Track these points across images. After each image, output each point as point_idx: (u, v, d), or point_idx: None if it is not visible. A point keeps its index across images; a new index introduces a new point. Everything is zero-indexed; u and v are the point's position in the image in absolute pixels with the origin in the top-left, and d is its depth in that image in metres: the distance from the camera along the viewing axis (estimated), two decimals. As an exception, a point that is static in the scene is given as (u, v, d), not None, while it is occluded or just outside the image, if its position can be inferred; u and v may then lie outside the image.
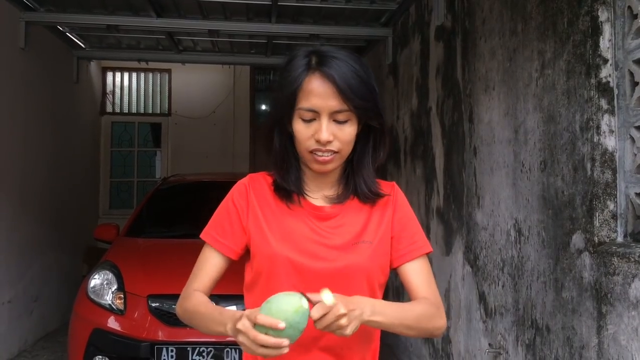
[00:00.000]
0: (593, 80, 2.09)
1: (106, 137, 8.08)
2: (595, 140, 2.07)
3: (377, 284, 1.35)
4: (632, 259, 1.81)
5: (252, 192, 1.37)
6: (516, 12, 2.74)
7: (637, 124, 1.95)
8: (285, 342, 1.05)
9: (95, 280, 3.80)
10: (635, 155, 1.96)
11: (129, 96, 8.27)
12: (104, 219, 7.45)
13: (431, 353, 4.07)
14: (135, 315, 3.61)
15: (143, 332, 3.52)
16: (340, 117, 1.25)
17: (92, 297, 3.73)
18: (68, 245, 6.32)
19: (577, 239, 2.16)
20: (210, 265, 1.38)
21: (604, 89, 2.07)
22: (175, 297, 3.94)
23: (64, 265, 6.17)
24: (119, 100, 8.22)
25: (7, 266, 4.77)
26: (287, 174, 1.34)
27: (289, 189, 1.34)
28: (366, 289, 1.32)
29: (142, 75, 8.27)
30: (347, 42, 6.49)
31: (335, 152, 1.26)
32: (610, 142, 2.05)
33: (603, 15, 2.08)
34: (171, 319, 3.56)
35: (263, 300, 1.12)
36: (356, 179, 1.35)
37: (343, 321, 1.07)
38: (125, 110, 8.25)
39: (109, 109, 8.13)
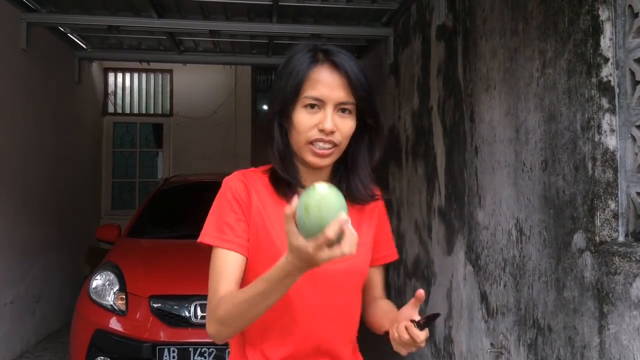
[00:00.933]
0: (594, 80, 2.08)
1: (108, 138, 8.10)
2: (596, 140, 2.06)
3: (362, 284, 1.37)
4: (634, 259, 1.81)
5: (252, 188, 1.31)
6: (517, 12, 2.74)
7: (638, 123, 1.94)
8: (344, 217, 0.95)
9: (97, 281, 3.81)
10: (637, 154, 1.95)
11: (130, 97, 8.28)
12: (106, 219, 7.46)
13: (433, 353, 4.06)
14: (137, 315, 3.61)
15: (145, 332, 3.52)
16: (345, 108, 1.24)
17: (93, 297, 3.74)
18: (70, 246, 6.33)
19: (579, 239, 2.15)
20: (230, 267, 1.25)
21: (605, 88, 2.06)
22: (176, 298, 3.96)
23: (66, 266, 6.18)
24: (120, 101, 8.23)
25: (9, 267, 4.78)
26: (288, 166, 1.29)
27: (290, 180, 1.28)
28: (359, 290, 1.34)
29: (144, 75, 8.28)
30: (348, 42, 6.48)
31: (335, 145, 1.24)
32: (611, 142, 2.05)
33: (604, 14, 2.07)
34: (172, 320, 3.57)
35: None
36: (351, 179, 1.32)
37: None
38: (127, 110, 8.26)
39: (110, 109, 8.15)
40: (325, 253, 0.96)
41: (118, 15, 5.38)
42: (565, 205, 2.26)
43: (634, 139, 1.97)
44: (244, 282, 1.27)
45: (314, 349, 1.27)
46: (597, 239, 2.04)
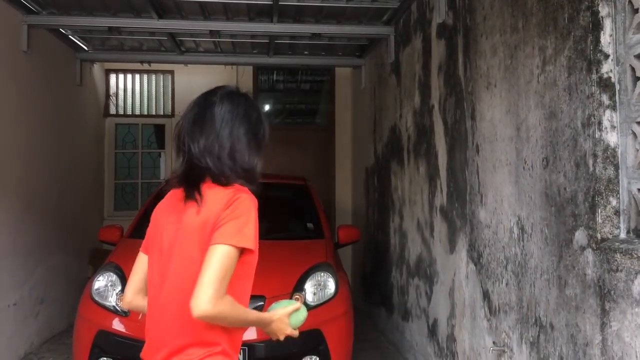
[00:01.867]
0: (594, 76, 2.08)
1: (110, 139, 8.10)
2: (597, 136, 2.06)
3: None
4: (635, 255, 1.80)
5: None
6: (517, 9, 2.73)
7: (639, 120, 1.93)
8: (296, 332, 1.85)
9: (99, 282, 3.81)
10: (638, 150, 1.95)
11: (132, 98, 8.27)
12: (109, 220, 7.45)
13: (436, 352, 4.05)
14: (140, 316, 3.61)
15: (147, 333, 3.52)
16: None
17: (96, 299, 3.74)
18: (73, 248, 6.34)
19: (580, 236, 2.14)
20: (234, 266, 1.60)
21: (606, 85, 2.05)
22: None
23: (69, 267, 6.19)
24: (122, 102, 8.22)
25: (12, 269, 4.79)
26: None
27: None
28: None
29: (145, 76, 8.28)
30: (349, 41, 6.48)
31: None
32: (612, 138, 2.04)
33: (604, 10, 2.06)
34: (175, 320, 3.56)
35: (244, 289, 1.68)
36: None
37: None
38: (129, 111, 8.26)
39: (112, 110, 8.15)
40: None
41: (118, 17, 5.38)
42: (566, 202, 2.25)
43: (634, 135, 1.96)
44: (238, 272, 1.62)
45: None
46: (599, 236, 2.03)
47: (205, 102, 1.73)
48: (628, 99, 1.99)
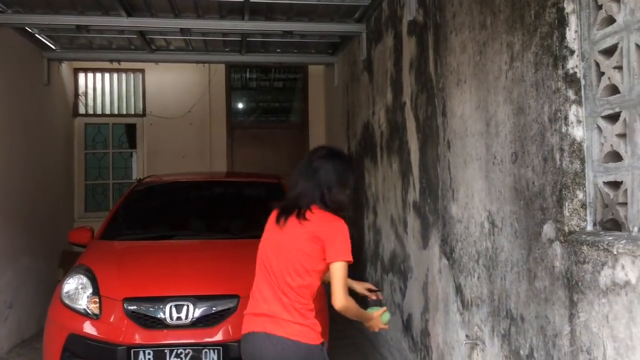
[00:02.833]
0: (560, 72, 2.11)
1: (80, 139, 7.95)
2: (563, 131, 2.09)
3: None
4: (602, 247, 1.84)
5: None
6: (485, 6, 2.76)
7: (603, 114, 1.97)
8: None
9: (69, 285, 3.73)
10: (603, 144, 1.98)
11: (102, 97, 8.14)
12: (80, 222, 7.33)
13: (410, 346, 4.09)
14: (111, 319, 3.56)
15: (119, 336, 3.47)
16: None
17: (66, 302, 3.67)
18: (43, 250, 6.21)
19: (548, 229, 2.18)
20: None
21: (571, 80, 2.09)
22: (151, 300, 3.93)
23: (39, 271, 6.06)
24: (92, 102, 8.09)
25: (-21, 273, 4.67)
26: None
27: None
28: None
29: (115, 75, 8.16)
30: (321, 39, 6.48)
31: None
32: (578, 133, 2.08)
33: (569, 6, 2.09)
34: (148, 322, 3.52)
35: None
36: None
37: None
38: (99, 111, 8.13)
39: (81, 110, 8.01)
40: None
41: (86, 15, 5.29)
42: (535, 196, 2.28)
43: (599, 129, 1.99)
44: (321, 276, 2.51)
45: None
46: (566, 228, 2.07)
47: (312, 157, 2.59)
48: (593, 93, 2.03)
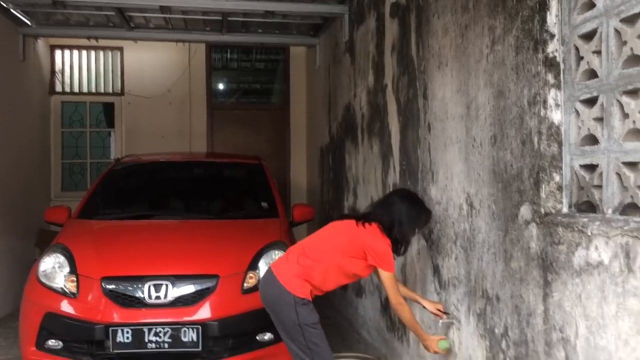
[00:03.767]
0: (540, 56, 2.13)
1: (56, 118, 7.81)
2: (542, 114, 2.12)
3: None
4: (576, 228, 1.88)
5: None
6: (468, -12, 2.76)
7: (581, 98, 2.00)
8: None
9: (46, 264, 3.70)
10: (580, 128, 2.02)
11: (79, 75, 7.99)
12: (57, 201, 7.23)
13: (388, 326, 4.14)
14: (89, 298, 3.54)
15: (97, 314, 3.46)
16: None
17: (43, 280, 3.64)
18: (19, 229, 6.12)
19: (525, 211, 2.22)
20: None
21: (551, 64, 2.11)
22: (129, 279, 3.93)
23: (15, 250, 5.99)
24: (69, 79, 7.93)
25: (-47, 252, 4.59)
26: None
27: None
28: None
29: (93, 53, 8.00)
30: (303, 20, 6.44)
31: None
32: (556, 116, 2.11)
33: (550, -10, 2.11)
34: (126, 301, 3.51)
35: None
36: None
37: None
38: (76, 89, 7.98)
39: (58, 88, 7.85)
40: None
41: (63, -11, 5.17)
42: (512, 178, 2.32)
43: (577, 113, 2.03)
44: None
45: None
46: (543, 210, 2.11)
47: (392, 193, 3.37)
48: (572, 77, 2.06)
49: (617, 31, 1.81)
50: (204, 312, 3.53)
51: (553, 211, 2.10)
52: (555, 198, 2.11)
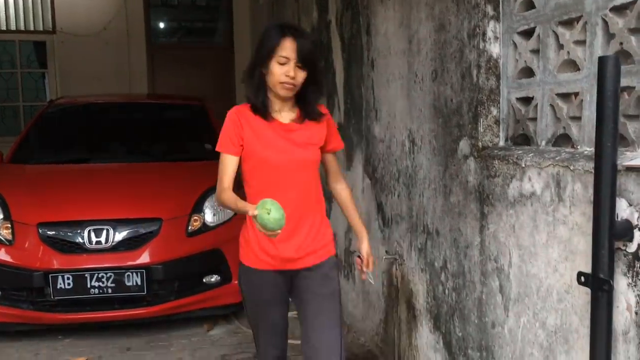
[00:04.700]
0: (480, -14, 2.09)
1: (-17, 58, 7.33)
2: (481, 47, 2.10)
3: (317, 167, 2.24)
4: (511, 161, 1.91)
5: (240, 116, 2.11)
6: None
7: (519, 30, 1.99)
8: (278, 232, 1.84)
9: (-23, 211, 3.54)
10: (517, 61, 2.02)
11: (5, 10, 7.45)
12: (-11, 147, 6.87)
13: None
14: (26, 245, 3.43)
15: (35, 261, 3.36)
16: (299, 65, 2.04)
17: (-25, 228, 3.49)
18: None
19: (464, 145, 2.23)
20: (230, 166, 2.10)
21: (491, -5, 2.08)
22: (68, 224, 3.79)
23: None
24: (-6, 16, 7.41)
25: None
26: (258, 98, 2.10)
27: (261, 108, 2.10)
28: (314, 169, 2.22)
29: (19, -14, 7.46)
30: (245, -48, 6.14)
31: (294, 85, 2.05)
32: (494, 49, 2.10)
33: None
34: (65, 247, 3.42)
35: (256, 186, 2.13)
36: (307, 107, 2.16)
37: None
38: (3, 27, 7.46)
39: (-17, 25, 7.33)
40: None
41: None
42: (452, 113, 2.32)
43: (515, 45, 2.02)
44: (243, 169, 2.14)
45: (288, 216, 1.90)
46: (480, 144, 2.13)
47: None
48: (510, 9, 2.04)
49: (555, -40, 1.79)
50: (147, 255, 3.48)
51: (490, 145, 2.12)
52: (492, 132, 2.13)
